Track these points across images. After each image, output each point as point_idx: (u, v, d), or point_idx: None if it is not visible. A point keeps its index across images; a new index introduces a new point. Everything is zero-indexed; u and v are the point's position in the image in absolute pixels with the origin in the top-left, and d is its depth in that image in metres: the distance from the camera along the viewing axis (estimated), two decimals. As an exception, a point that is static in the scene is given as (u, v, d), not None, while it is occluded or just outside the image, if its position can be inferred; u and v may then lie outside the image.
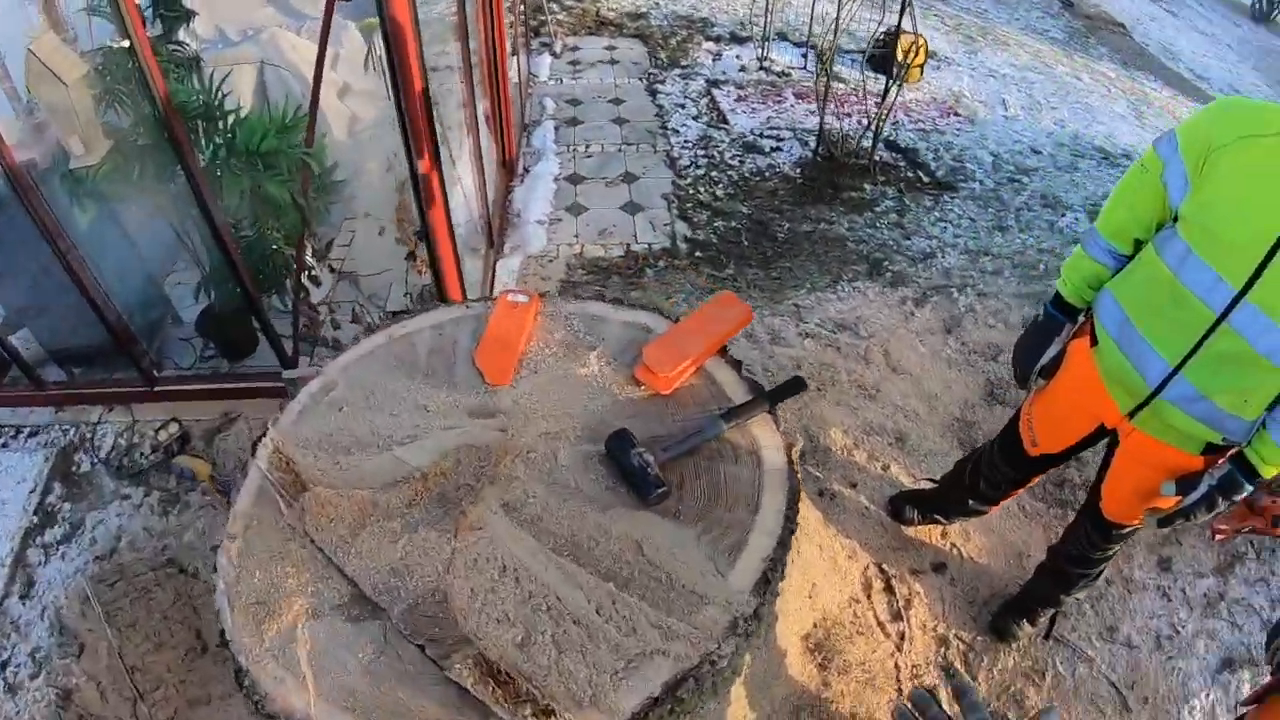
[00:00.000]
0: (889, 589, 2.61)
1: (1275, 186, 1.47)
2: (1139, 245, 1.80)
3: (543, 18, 6.27)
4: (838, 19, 4.55)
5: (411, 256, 3.24)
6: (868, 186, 4.68)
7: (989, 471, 2.44)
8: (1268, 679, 1.59)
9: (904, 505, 2.76)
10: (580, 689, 1.29)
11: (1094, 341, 1.89)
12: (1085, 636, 2.76)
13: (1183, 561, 3.04)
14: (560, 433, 1.73)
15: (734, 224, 4.23)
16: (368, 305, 3.38)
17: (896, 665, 2.45)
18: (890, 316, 3.59)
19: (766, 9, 5.89)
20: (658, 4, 6.88)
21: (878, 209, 4.51)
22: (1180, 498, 1.82)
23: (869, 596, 2.58)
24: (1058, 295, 1.96)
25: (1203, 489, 1.77)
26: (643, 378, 1.85)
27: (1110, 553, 2.29)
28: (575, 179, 4.51)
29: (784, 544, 1.56)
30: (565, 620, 1.38)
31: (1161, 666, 2.75)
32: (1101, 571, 2.40)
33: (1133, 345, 1.76)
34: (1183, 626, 2.88)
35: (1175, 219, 1.65)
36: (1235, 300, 1.53)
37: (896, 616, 2.57)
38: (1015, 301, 3.83)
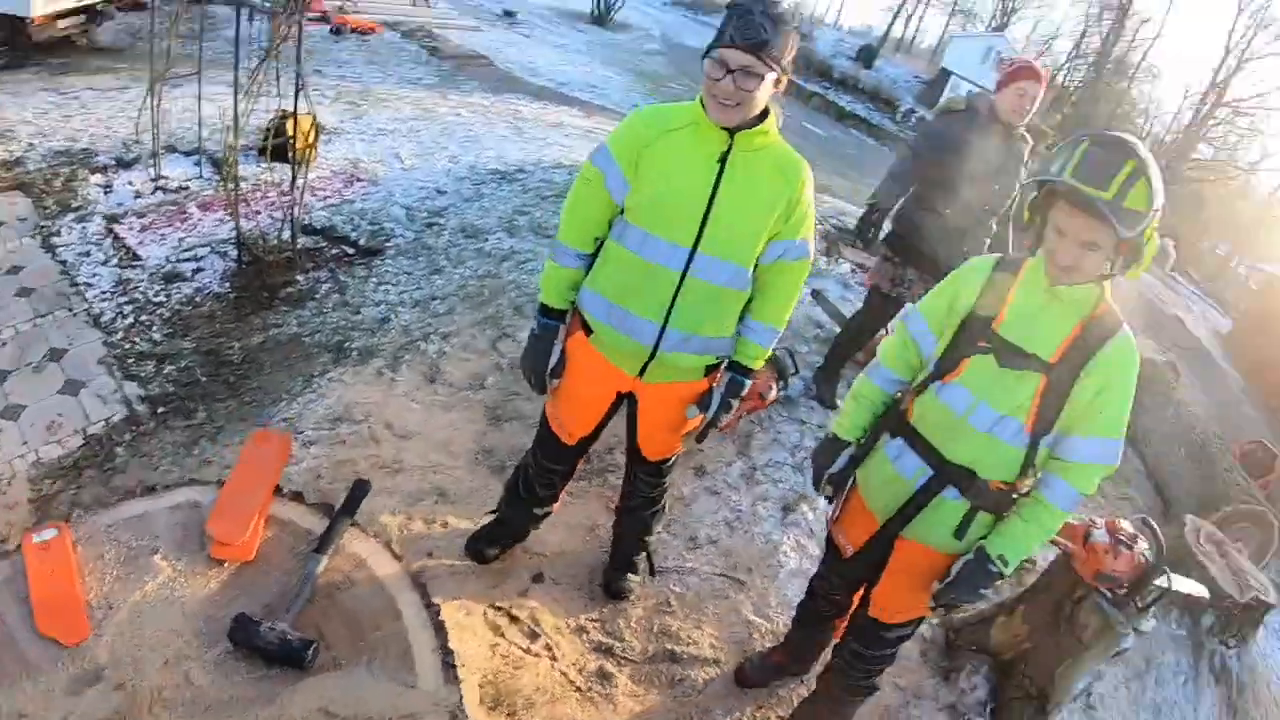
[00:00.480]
0: (512, 619, 2.82)
1: (693, 165, 2.03)
2: (598, 243, 2.22)
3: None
4: (236, 119, 4.56)
5: None
6: (300, 278, 4.80)
7: (538, 477, 2.73)
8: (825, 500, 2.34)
9: (481, 547, 2.95)
10: None
11: (588, 332, 2.27)
12: (678, 555, 3.39)
13: (711, 462, 3.91)
14: (177, 656, 1.61)
15: (185, 363, 4.09)
16: None
17: (562, 672, 2.70)
18: (375, 391, 3.83)
19: (154, 124, 5.62)
20: (31, 144, 6.16)
21: (318, 295, 4.68)
22: (703, 415, 2.37)
23: (503, 635, 2.75)
24: (543, 306, 2.30)
25: (717, 400, 2.35)
26: (221, 555, 1.78)
27: (665, 485, 2.83)
28: None
29: (440, 628, 1.69)
30: None
31: (743, 540, 3.55)
32: (664, 504, 2.93)
33: (624, 322, 2.16)
34: (739, 505, 3.77)
35: (623, 212, 2.12)
36: (691, 256, 2.06)
37: (533, 636, 2.80)
38: (476, 330, 4.34)
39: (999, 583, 2.16)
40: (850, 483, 2.26)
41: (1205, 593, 4.04)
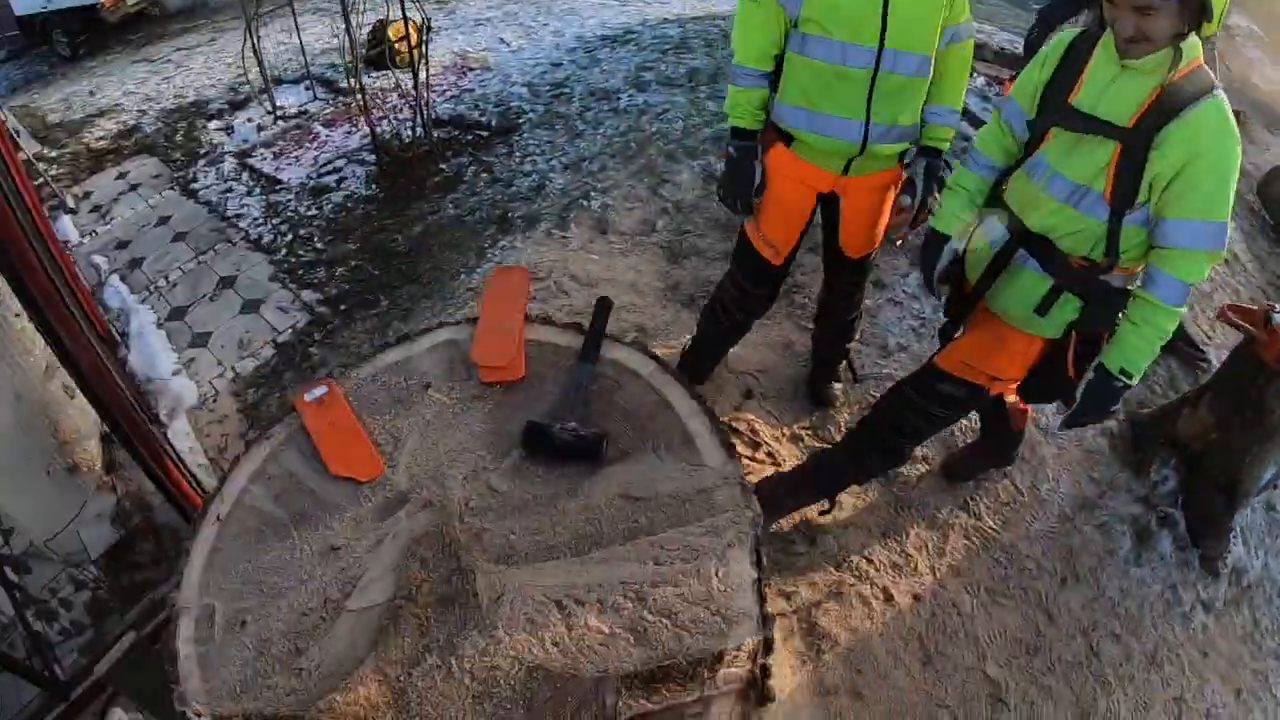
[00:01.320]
0: (734, 430, 2.89)
1: None
2: (777, 60, 2.19)
3: (37, 180, 5.45)
4: (350, 30, 4.43)
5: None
6: (443, 166, 4.69)
7: (737, 302, 2.68)
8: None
9: (689, 370, 2.98)
10: (707, 624, 1.39)
11: (788, 142, 2.28)
12: (873, 363, 3.35)
13: (888, 275, 3.82)
14: (474, 470, 1.65)
15: (354, 263, 4.04)
16: (76, 572, 2.88)
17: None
18: (550, 250, 3.71)
19: (259, 61, 5.56)
20: (142, 111, 6.25)
21: (466, 178, 4.54)
22: (912, 201, 2.35)
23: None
24: (736, 129, 2.27)
25: (922, 183, 2.34)
26: (491, 378, 1.82)
27: (864, 285, 2.79)
28: (178, 313, 4.03)
29: (710, 413, 1.74)
30: (646, 593, 1.43)
31: (931, 344, 3.42)
32: (861, 310, 2.91)
33: (828, 126, 2.19)
34: (922, 312, 3.68)
35: (796, 25, 2.09)
36: (879, 54, 2.07)
37: (755, 445, 2.89)
38: (634, 180, 4.16)
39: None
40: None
41: None
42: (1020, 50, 6.68)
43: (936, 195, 2.37)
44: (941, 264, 2.13)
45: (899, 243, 3.71)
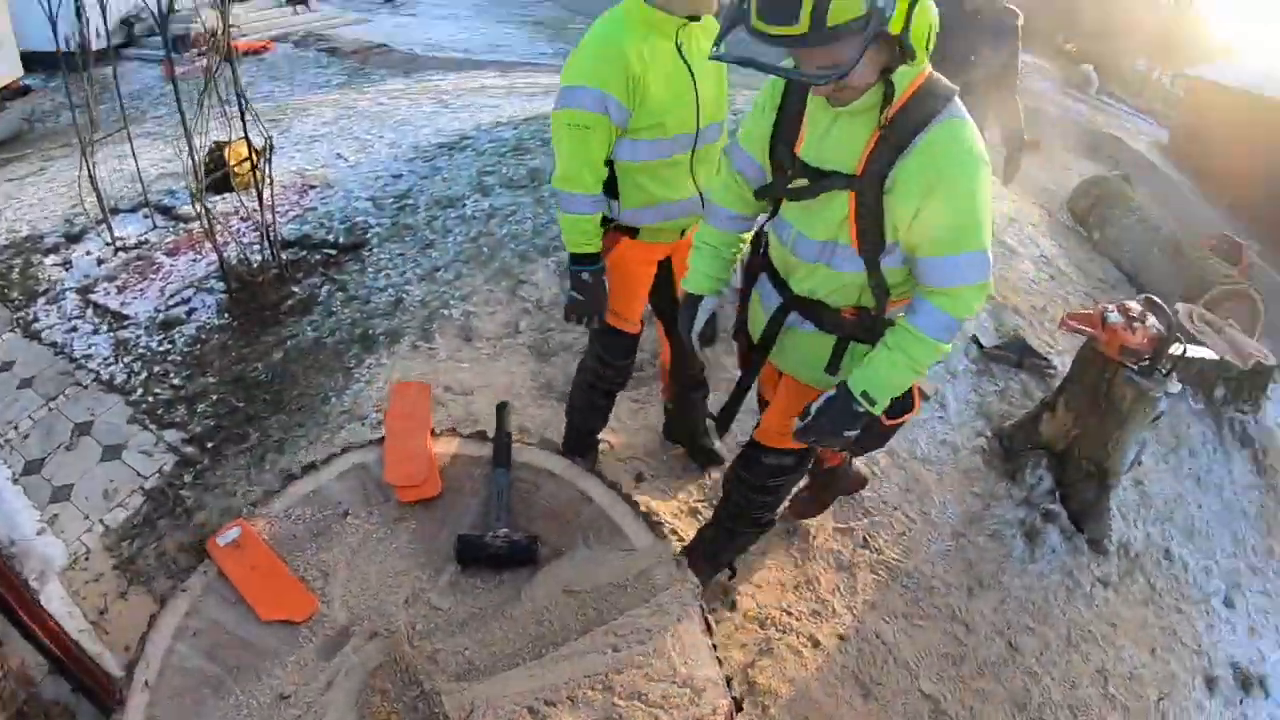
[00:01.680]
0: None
1: (670, 61, 2.22)
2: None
3: None
4: (193, 156, 4.47)
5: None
6: (294, 289, 4.71)
7: (607, 377, 2.83)
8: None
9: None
10: (677, 696, 1.51)
11: (633, 235, 2.47)
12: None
13: None
14: (413, 591, 1.69)
15: (216, 396, 4.00)
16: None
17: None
18: (418, 363, 3.84)
19: (95, 190, 5.36)
20: None
21: (321, 299, 4.60)
22: None
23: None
24: (580, 256, 2.40)
25: None
26: (410, 497, 1.86)
27: None
28: (33, 466, 3.83)
29: (629, 498, 1.89)
30: (612, 681, 1.52)
31: None
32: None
33: (670, 211, 2.45)
34: None
35: (625, 133, 2.25)
36: (696, 134, 2.33)
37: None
38: (491, 284, 4.37)
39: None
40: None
41: (1216, 356, 4.48)
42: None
43: None
44: (697, 325, 2.14)
45: None
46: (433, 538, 1.80)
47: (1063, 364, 4.24)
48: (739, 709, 1.54)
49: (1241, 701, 3.66)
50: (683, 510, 3.20)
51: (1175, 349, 3.59)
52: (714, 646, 1.62)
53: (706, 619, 1.67)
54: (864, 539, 3.34)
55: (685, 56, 2.24)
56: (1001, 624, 3.23)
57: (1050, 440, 3.88)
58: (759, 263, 2.13)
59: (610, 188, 2.37)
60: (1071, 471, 3.79)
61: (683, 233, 2.54)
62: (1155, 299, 3.69)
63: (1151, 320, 3.57)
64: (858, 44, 1.47)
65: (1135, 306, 3.63)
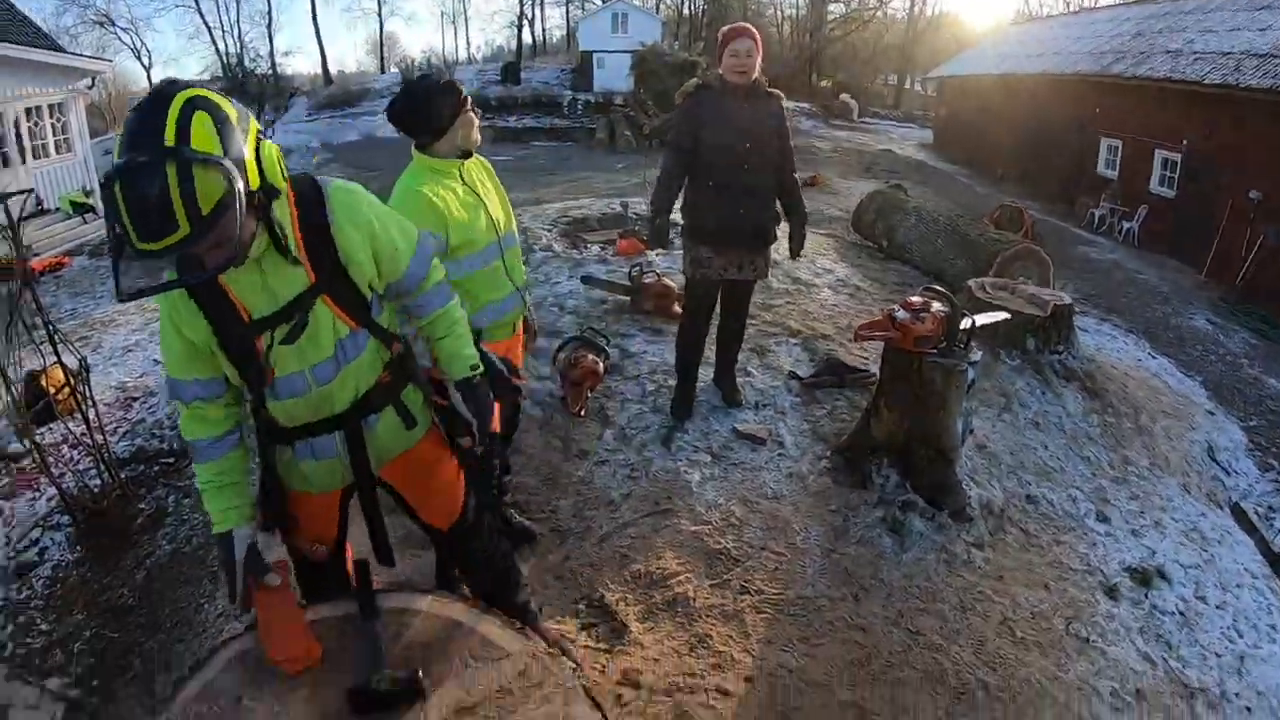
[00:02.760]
0: None
1: (459, 193, 2.85)
2: None
3: None
4: (9, 387, 4.36)
5: None
6: (142, 506, 4.63)
7: None
8: None
9: None
10: None
11: (480, 337, 2.75)
12: (611, 520, 3.84)
13: (586, 441, 4.45)
14: None
15: (89, 633, 3.83)
16: None
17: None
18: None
19: None
20: None
21: (170, 509, 4.59)
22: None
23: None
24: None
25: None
26: (296, 669, 1.92)
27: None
28: None
29: (490, 610, 2.08)
30: None
31: (649, 482, 4.07)
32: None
33: (505, 305, 3.10)
34: (629, 460, 4.38)
35: (448, 255, 2.78)
36: (499, 242, 3.01)
37: None
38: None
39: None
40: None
41: (1006, 315, 4.97)
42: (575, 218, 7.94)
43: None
44: (240, 558, 1.99)
45: (583, 413, 4.77)
46: (327, 700, 1.87)
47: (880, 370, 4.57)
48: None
49: (1147, 596, 4.03)
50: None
51: (965, 323, 3.95)
52: (605, 716, 1.80)
53: (590, 694, 1.84)
54: (742, 586, 3.54)
55: (470, 185, 2.89)
56: (894, 616, 3.43)
57: (886, 440, 4.22)
58: (277, 440, 2.10)
59: None
60: (915, 460, 4.12)
61: (513, 329, 3.16)
62: (934, 287, 4.10)
63: (936, 305, 3.96)
64: (234, 216, 1.54)
65: (917, 299, 4.01)
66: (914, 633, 3.38)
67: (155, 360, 6.40)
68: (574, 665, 1.91)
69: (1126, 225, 15.19)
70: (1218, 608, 4.14)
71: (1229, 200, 12.48)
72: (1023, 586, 3.76)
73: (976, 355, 4.00)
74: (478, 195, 2.91)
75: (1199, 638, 3.87)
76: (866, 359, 5.54)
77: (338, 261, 1.90)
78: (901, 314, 3.93)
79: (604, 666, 3.06)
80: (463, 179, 2.89)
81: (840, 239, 10.71)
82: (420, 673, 1.86)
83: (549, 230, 8.25)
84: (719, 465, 4.45)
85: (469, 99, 2.88)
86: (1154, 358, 8.16)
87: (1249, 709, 3.53)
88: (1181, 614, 3.99)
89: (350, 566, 2.40)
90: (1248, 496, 5.64)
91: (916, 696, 3.06)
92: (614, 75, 35.57)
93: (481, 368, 2.28)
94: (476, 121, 2.91)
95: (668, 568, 3.64)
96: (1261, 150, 12.04)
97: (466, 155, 2.93)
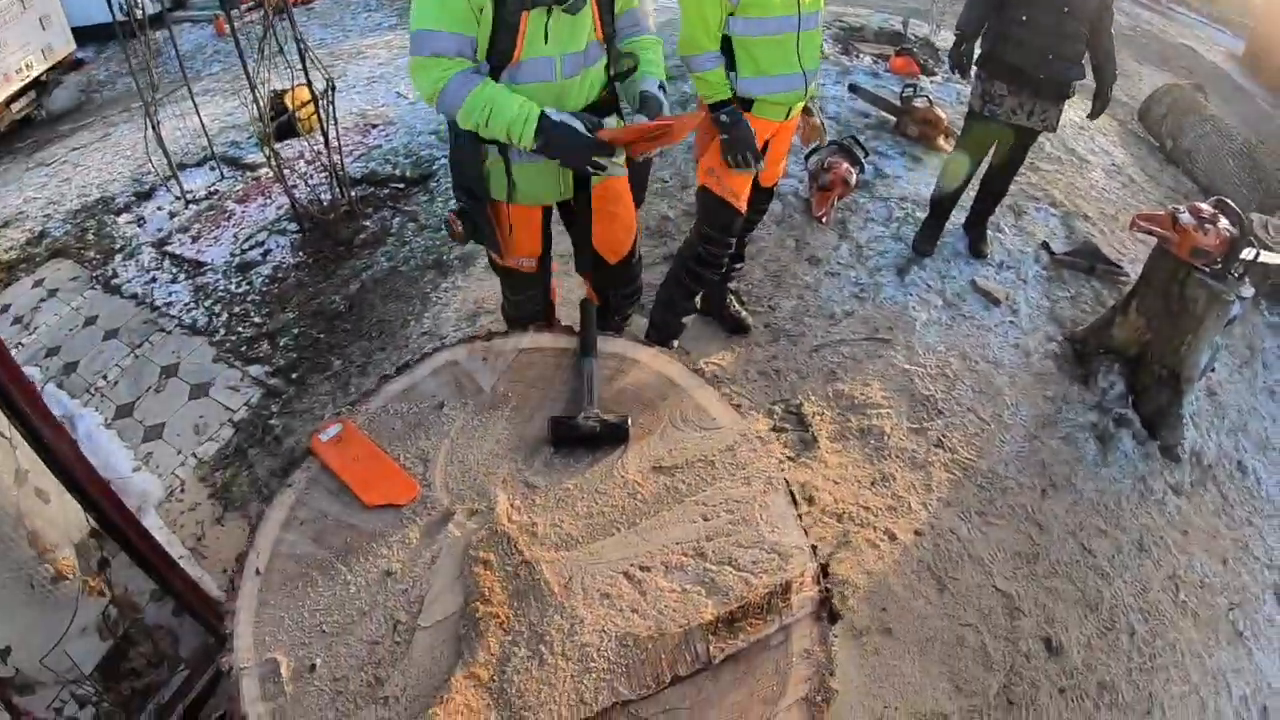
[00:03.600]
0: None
1: None
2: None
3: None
4: (256, 101, 4.43)
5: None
6: (366, 223, 4.69)
7: (716, 257, 3.07)
8: None
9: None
10: (766, 562, 1.53)
11: (748, 108, 2.75)
12: (825, 331, 3.83)
13: (820, 250, 4.20)
14: (510, 473, 1.72)
15: (296, 331, 3.99)
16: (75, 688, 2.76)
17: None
18: (493, 283, 3.69)
19: (162, 148, 5.42)
20: (47, 215, 6.01)
21: (393, 230, 4.57)
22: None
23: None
24: (721, 103, 2.70)
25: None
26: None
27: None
28: (124, 410, 3.89)
29: (713, 381, 1.93)
30: (703, 547, 1.55)
31: (874, 306, 4.03)
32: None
33: (784, 83, 2.75)
34: (860, 279, 4.16)
35: (734, 12, 2.61)
36: (799, 18, 2.66)
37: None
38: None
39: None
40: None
41: None
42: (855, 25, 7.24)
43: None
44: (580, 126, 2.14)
45: (825, 220, 4.46)
46: (526, 422, 1.83)
47: (1135, 271, 4.14)
48: (825, 574, 1.54)
49: None
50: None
51: (1248, 252, 3.47)
52: (799, 517, 1.63)
53: (790, 491, 1.67)
54: (938, 439, 3.32)
55: None
56: (1074, 525, 3.20)
57: (1123, 344, 3.83)
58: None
59: (731, 64, 2.71)
60: (1144, 376, 3.73)
61: (788, 113, 2.86)
62: (1227, 201, 3.59)
63: (1224, 222, 3.50)
64: None
65: (1206, 208, 3.56)
66: (1087, 550, 3.14)
67: (398, 93, 6.46)
68: (781, 459, 1.81)
69: None
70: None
71: None
72: (1202, 551, 3.37)
73: (1249, 290, 3.51)
74: None
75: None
76: (1125, 255, 4.82)
77: None
78: (1186, 217, 3.48)
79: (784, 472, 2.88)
80: None
81: (1124, 123, 9.40)
82: (629, 421, 1.78)
83: (828, 26, 7.57)
84: (948, 312, 4.15)
85: None
86: None
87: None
88: (1341, 645, 3.45)
89: (553, 284, 2.79)
90: None
91: (1068, 612, 2.91)
92: None
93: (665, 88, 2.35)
94: None
95: (871, 396, 3.50)
96: None
97: None
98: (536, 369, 1.93)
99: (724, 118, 2.71)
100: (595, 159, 2.04)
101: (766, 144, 2.92)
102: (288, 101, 5.42)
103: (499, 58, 2.05)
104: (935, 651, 2.61)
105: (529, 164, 2.26)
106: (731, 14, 2.62)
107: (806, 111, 3.13)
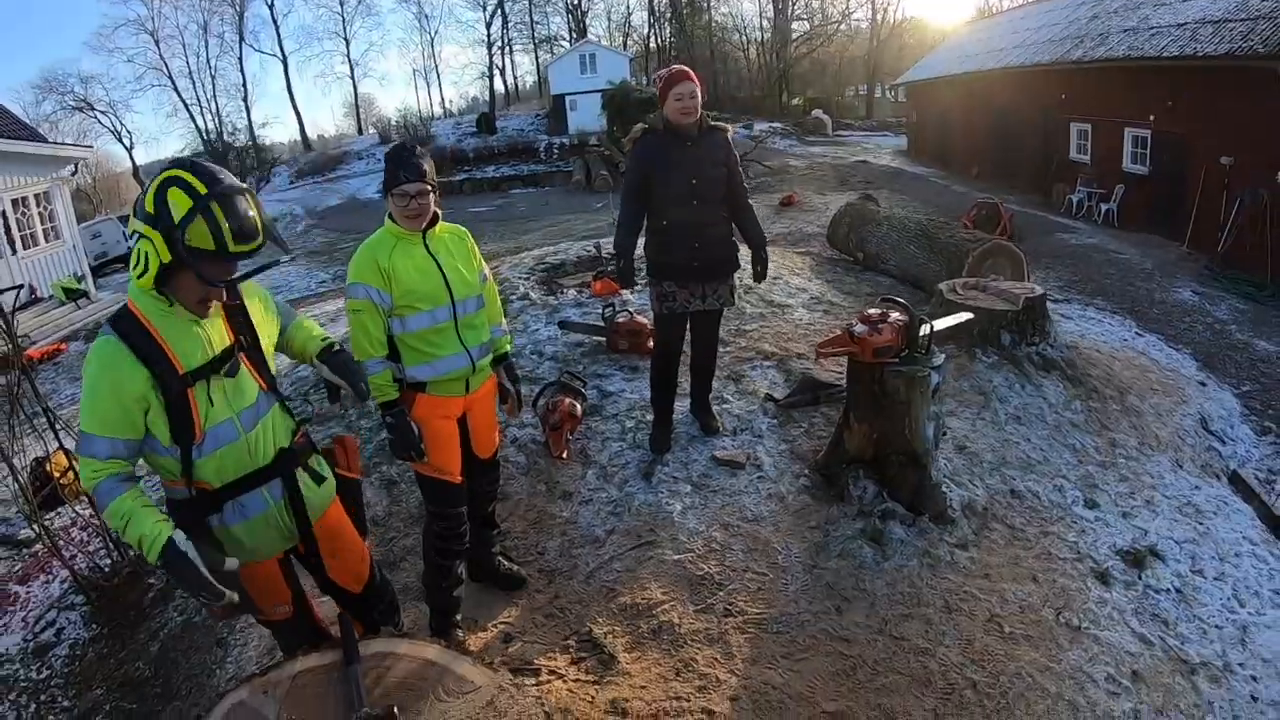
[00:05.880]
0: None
1: (418, 260, 3.07)
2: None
3: None
4: (15, 474, 4.36)
5: None
6: (151, 580, 4.64)
7: (448, 533, 3.34)
8: None
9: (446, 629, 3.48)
10: None
11: (424, 390, 3.15)
12: (596, 556, 4.02)
13: (569, 484, 4.59)
14: None
15: (109, 706, 3.89)
16: None
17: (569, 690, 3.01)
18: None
19: None
20: None
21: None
22: (511, 400, 3.54)
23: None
24: (387, 404, 3.08)
25: (508, 382, 3.52)
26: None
27: (498, 480, 3.77)
28: None
29: (464, 650, 2.07)
30: None
31: (634, 516, 4.14)
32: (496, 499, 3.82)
33: (448, 364, 3.15)
34: (612, 496, 4.55)
35: (391, 313, 3.05)
36: (452, 306, 3.11)
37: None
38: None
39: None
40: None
41: (969, 315, 5.01)
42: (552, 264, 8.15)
43: (517, 384, 3.53)
44: (198, 557, 2.08)
45: (565, 456, 4.86)
46: None
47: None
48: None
49: (1140, 577, 4.04)
50: (495, 638, 3.57)
51: (924, 330, 3.99)
52: None
53: (547, 714, 2.07)
54: (725, 609, 3.58)
55: (432, 253, 3.11)
56: (878, 624, 3.46)
57: (859, 452, 4.26)
58: (201, 511, 2.31)
59: (396, 356, 3.13)
60: (889, 469, 4.15)
61: (466, 387, 3.25)
62: (892, 297, 4.16)
63: (895, 315, 4.01)
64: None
65: (874, 312, 4.07)
66: (898, 639, 3.40)
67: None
68: (537, 693, 2.16)
69: (1105, 207, 15.32)
70: (1216, 580, 4.17)
71: (1202, 169, 12.61)
72: (1010, 582, 3.78)
73: (939, 359, 4.04)
74: (438, 263, 3.12)
75: (1197, 612, 3.90)
76: (840, 374, 5.55)
77: (247, 313, 2.38)
78: (859, 328, 3.98)
79: (593, 698, 3.11)
80: (428, 248, 3.12)
81: (818, 255, 10.81)
82: (396, 709, 2.05)
83: (525, 279, 8.22)
84: (699, 494, 4.49)
85: (405, 175, 2.98)
86: (1140, 335, 8.23)
87: (1254, 678, 3.55)
88: (1178, 590, 4.02)
89: (317, 611, 2.81)
90: (1246, 463, 5.66)
91: (903, 700, 3.10)
92: (587, 116, 36.22)
93: (334, 340, 2.68)
94: (416, 199, 2.99)
95: (653, 597, 3.69)
96: (1228, 115, 12.19)
97: (431, 226, 3.13)
98: (313, 687, 2.19)
99: (389, 419, 3.08)
100: (204, 596, 2.04)
101: (462, 421, 3.30)
102: (49, 469, 5.41)
103: (185, 438, 2.18)
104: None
105: (241, 522, 2.35)
106: (389, 316, 3.06)
107: (503, 391, 3.50)
